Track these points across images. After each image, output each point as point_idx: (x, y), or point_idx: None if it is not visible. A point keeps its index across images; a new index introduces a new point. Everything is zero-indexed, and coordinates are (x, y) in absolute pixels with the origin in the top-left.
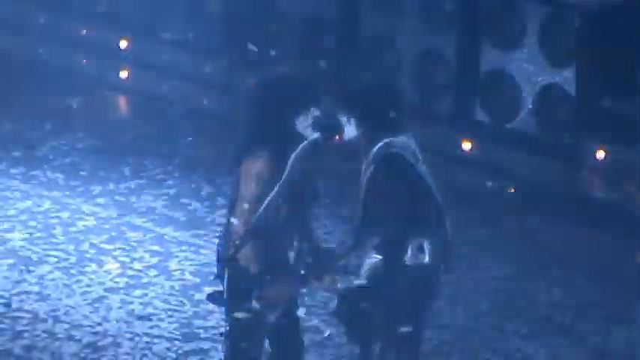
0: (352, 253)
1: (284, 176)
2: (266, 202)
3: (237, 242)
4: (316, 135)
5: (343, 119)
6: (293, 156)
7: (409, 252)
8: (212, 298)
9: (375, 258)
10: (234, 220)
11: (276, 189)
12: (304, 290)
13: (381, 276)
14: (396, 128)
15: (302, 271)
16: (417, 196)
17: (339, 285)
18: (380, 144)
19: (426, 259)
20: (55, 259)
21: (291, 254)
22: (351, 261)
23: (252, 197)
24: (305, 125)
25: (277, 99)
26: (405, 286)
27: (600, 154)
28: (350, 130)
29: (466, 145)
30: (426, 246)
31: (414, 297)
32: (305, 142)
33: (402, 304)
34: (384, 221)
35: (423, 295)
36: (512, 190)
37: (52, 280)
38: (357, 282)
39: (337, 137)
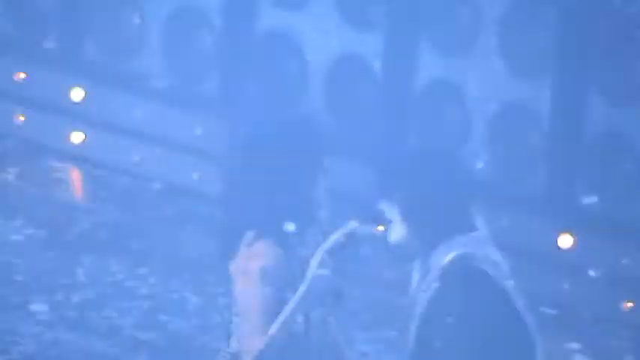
0: None
1: (308, 278)
2: (283, 315)
3: None
4: (353, 224)
5: (388, 210)
6: (322, 251)
7: None
8: None
9: None
10: (235, 345)
11: (297, 297)
12: None
13: None
14: (466, 224)
15: None
16: (502, 325)
17: None
18: (452, 254)
19: None
20: None
21: None
22: None
23: (255, 309)
24: (314, 197)
25: (276, 159)
26: None
27: None
28: (398, 228)
29: (565, 241)
30: None
31: None
32: (338, 233)
33: None
34: None
35: None
36: (630, 305)
37: None
38: None
39: (381, 228)
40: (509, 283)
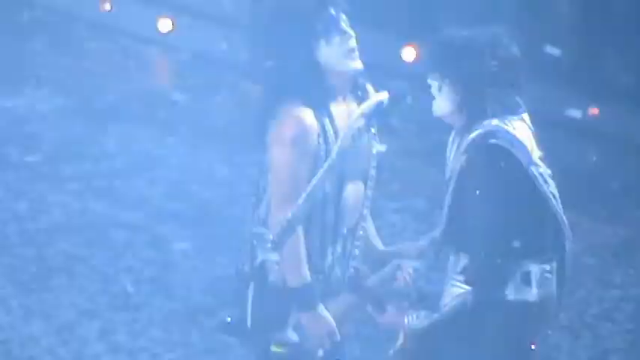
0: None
1: (337, 145)
2: (312, 183)
3: (268, 246)
4: (383, 94)
5: (433, 83)
6: (354, 116)
7: (510, 283)
8: (229, 327)
9: (461, 287)
10: (261, 215)
11: (327, 163)
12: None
13: (469, 313)
14: (507, 105)
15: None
16: (526, 205)
17: (408, 319)
18: (479, 131)
19: (533, 293)
20: (8, 271)
21: (329, 260)
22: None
23: (286, 177)
24: (336, 54)
25: (293, 18)
26: (501, 328)
27: None
28: (440, 101)
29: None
30: (534, 275)
31: (512, 343)
32: (369, 100)
33: (496, 353)
34: (476, 236)
35: (526, 339)
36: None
37: (4, 300)
38: (434, 317)
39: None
40: (536, 169)
